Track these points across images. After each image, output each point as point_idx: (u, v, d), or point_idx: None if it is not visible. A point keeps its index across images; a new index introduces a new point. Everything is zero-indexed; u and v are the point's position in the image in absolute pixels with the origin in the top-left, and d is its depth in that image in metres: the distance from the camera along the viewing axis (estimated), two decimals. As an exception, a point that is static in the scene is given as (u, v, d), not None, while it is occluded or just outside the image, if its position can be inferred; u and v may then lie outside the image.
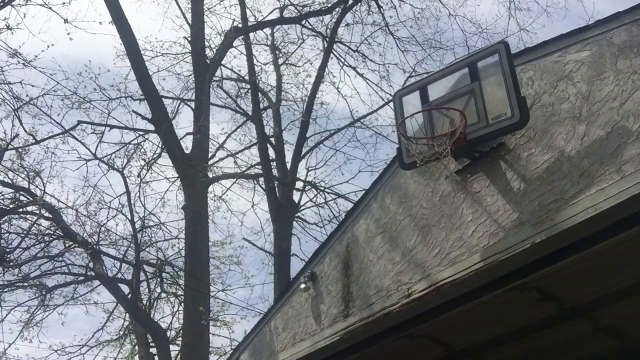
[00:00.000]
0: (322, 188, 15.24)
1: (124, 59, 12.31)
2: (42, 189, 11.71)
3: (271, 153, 13.72)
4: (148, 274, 13.32)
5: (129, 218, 12.47)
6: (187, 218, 11.61)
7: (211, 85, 13.38)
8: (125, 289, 12.20)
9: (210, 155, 13.66)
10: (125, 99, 11.83)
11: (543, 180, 3.93)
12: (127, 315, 13.03)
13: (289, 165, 14.13)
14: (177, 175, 12.22)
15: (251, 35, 13.97)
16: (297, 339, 5.48)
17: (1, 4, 9.48)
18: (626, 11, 3.85)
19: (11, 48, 9.93)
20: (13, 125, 10.72)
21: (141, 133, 12.36)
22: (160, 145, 12.42)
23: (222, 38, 13.43)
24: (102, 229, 12.40)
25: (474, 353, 5.38)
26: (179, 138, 12.09)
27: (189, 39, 13.06)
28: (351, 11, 14.28)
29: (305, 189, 15.24)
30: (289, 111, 15.13)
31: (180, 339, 12.65)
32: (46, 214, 11.47)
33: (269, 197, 13.36)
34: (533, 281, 4.19)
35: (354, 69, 14.76)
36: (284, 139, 14.62)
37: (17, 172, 11.53)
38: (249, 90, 13.94)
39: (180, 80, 14.39)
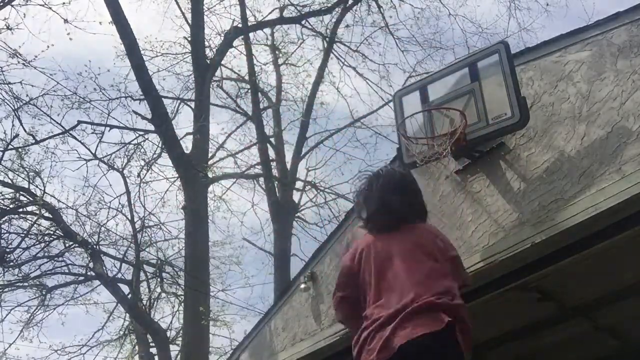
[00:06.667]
0: (322, 188, 15.28)
1: (124, 59, 12.31)
2: (42, 189, 11.70)
3: (271, 153, 13.74)
4: (148, 274, 13.34)
5: (129, 218, 12.50)
6: (187, 218, 11.61)
7: (211, 85, 13.38)
8: (125, 289, 12.23)
9: (210, 155, 13.67)
10: (125, 99, 11.80)
11: (543, 180, 3.92)
12: (127, 315, 13.04)
13: (289, 166, 14.16)
14: (177, 175, 12.22)
15: (251, 35, 13.99)
16: (297, 339, 5.47)
17: (1, 4, 9.47)
18: (626, 11, 3.84)
19: (11, 48, 9.90)
20: (13, 125, 10.67)
21: (141, 133, 12.33)
22: (160, 145, 12.41)
23: (222, 38, 13.43)
24: (102, 229, 12.43)
25: (474, 353, 5.37)
26: (179, 138, 12.09)
27: (189, 39, 13.06)
28: (351, 11, 14.30)
29: (305, 189, 15.27)
30: (289, 111, 15.17)
31: (180, 339, 12.65)
32: (46, 214, 11.47)
33: (269, 197, 13.37)
34: (533, 281, 4.18)
35: (354, 69, 14.79)
36: (284, 139, 14.66)
37: (17, 172, 11.52)
38: (249, 90, 13.95)
39: (180, 80, 14.40)
